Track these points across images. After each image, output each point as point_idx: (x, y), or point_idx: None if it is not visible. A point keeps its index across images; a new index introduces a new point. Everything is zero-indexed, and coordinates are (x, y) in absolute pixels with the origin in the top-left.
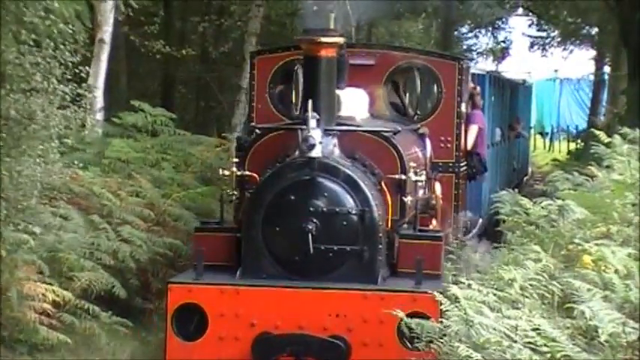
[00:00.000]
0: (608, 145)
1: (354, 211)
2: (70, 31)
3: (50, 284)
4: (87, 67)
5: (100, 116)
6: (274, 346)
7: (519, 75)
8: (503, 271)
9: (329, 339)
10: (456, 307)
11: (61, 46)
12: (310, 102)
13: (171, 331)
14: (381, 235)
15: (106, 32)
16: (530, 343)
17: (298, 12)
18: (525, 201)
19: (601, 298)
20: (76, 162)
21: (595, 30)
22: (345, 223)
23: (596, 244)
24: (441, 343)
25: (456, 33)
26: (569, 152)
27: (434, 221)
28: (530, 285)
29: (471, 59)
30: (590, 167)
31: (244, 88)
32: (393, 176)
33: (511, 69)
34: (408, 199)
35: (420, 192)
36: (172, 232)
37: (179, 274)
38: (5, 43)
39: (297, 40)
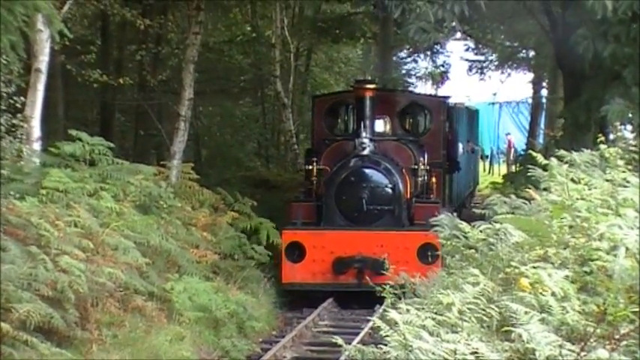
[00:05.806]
0: (544, 168)
1: (389, 186)
2: (5, 62)
3: None
4: (22, 98)
5: (37, 146)
6: (345, 264)
7: (459, 98)
8: (442, 295)
9: (377, 258)
10: (395, 332)
11: None
12: (362, 123)
13: (285, 257)
14: (404, 200)
15: (43, 62)
16: None
17: (235, 39)
18: (464, 225)
19: (538, 321)
20: (12, 192)
21: (532, 53)
22: (383, 193)
23: (533, 267)
24: None
25: (394, 58)
26: (503, 176)
27: (432, 196)
28: (469, 309)
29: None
30: (527, 190)
31: (182, 116)
32: (410, 166)
33: (450, 92)
34: (419, 180)
35: (424, 178)
36: (111, 262)
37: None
38: None
39: (349, 87)
